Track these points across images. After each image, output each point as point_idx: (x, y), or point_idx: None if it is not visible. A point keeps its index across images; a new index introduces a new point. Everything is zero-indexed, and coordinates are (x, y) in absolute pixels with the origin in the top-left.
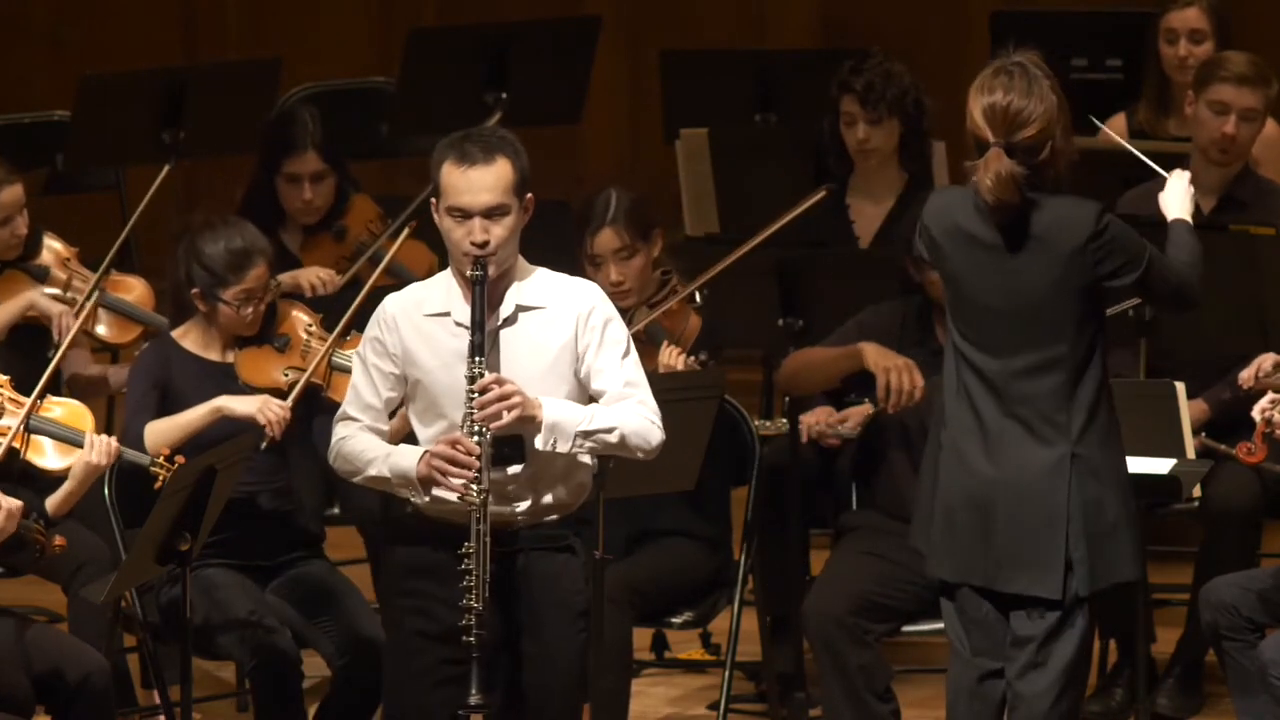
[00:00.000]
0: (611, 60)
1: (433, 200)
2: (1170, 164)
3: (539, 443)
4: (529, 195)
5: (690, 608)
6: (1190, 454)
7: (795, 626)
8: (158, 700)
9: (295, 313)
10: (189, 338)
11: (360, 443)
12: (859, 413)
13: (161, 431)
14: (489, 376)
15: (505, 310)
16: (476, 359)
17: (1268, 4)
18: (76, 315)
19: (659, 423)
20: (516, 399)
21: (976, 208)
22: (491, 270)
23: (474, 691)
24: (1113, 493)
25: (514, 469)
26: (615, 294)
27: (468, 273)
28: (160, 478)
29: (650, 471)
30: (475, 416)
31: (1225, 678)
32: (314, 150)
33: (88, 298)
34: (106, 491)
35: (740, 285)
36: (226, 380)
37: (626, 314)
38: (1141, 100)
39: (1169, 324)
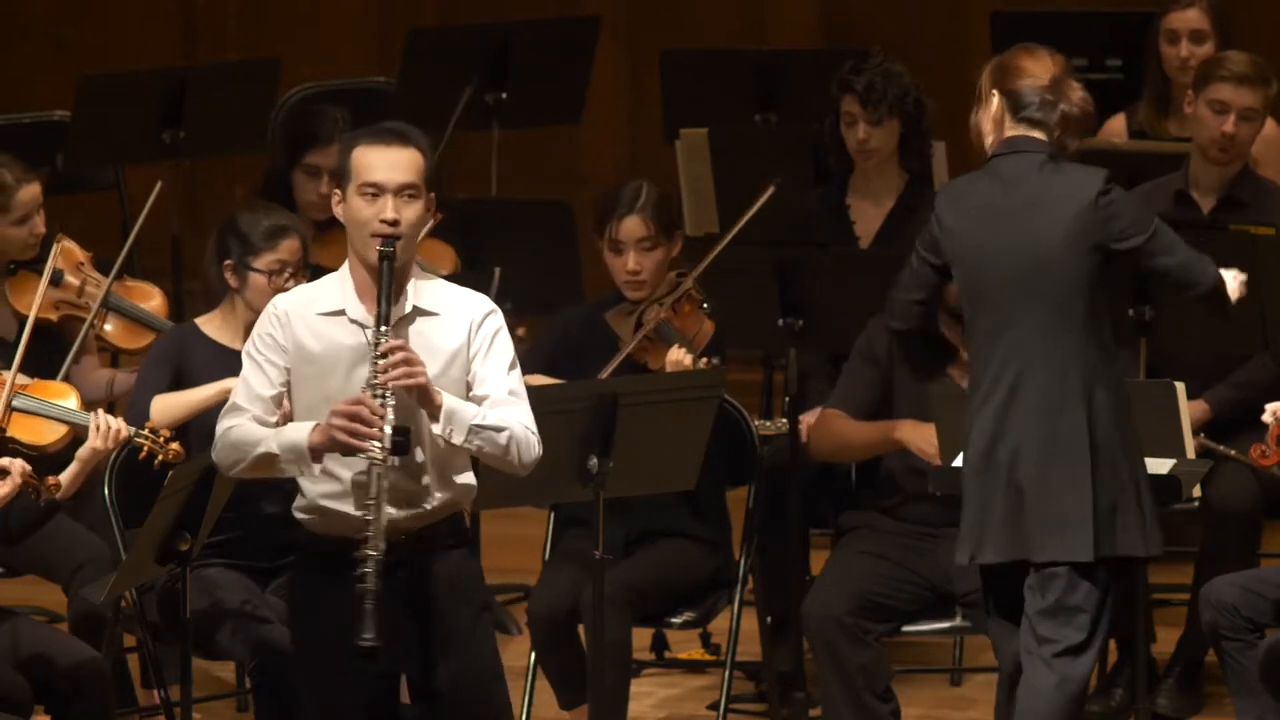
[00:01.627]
0: (611, 60)
1: (336, 193)
2: (1169, 163)
3: (437, 427)
4: (433, 195)
5: (690, 608)
6: (1190, 454)
7: (795, 626)
8: (158, 700)
9: None
10: (212, 325)
11: (247, 430)
12: None
13: (167, 407)
14: (396, 340)
15: (403, 309)
16: (383, 328)
17: (1268, 4)
18: (95, 322)
19: (538, 438)
20: (420, 367)
21: (992, 175)
22: (397, 255)
23: (365, 633)
24: (1129, 463)
25: (399, 461)
26: (630, 284)
27: (378, 248)
28: (145, 448)
29: (650, 471)
30: (380, 379)
31: (1225, 678)
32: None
33: (101, 304)
34: (106, 491)
35: (740, 285)
36: None
37: (637, 308)
38: (1142, 100)
39: (1169, 324)
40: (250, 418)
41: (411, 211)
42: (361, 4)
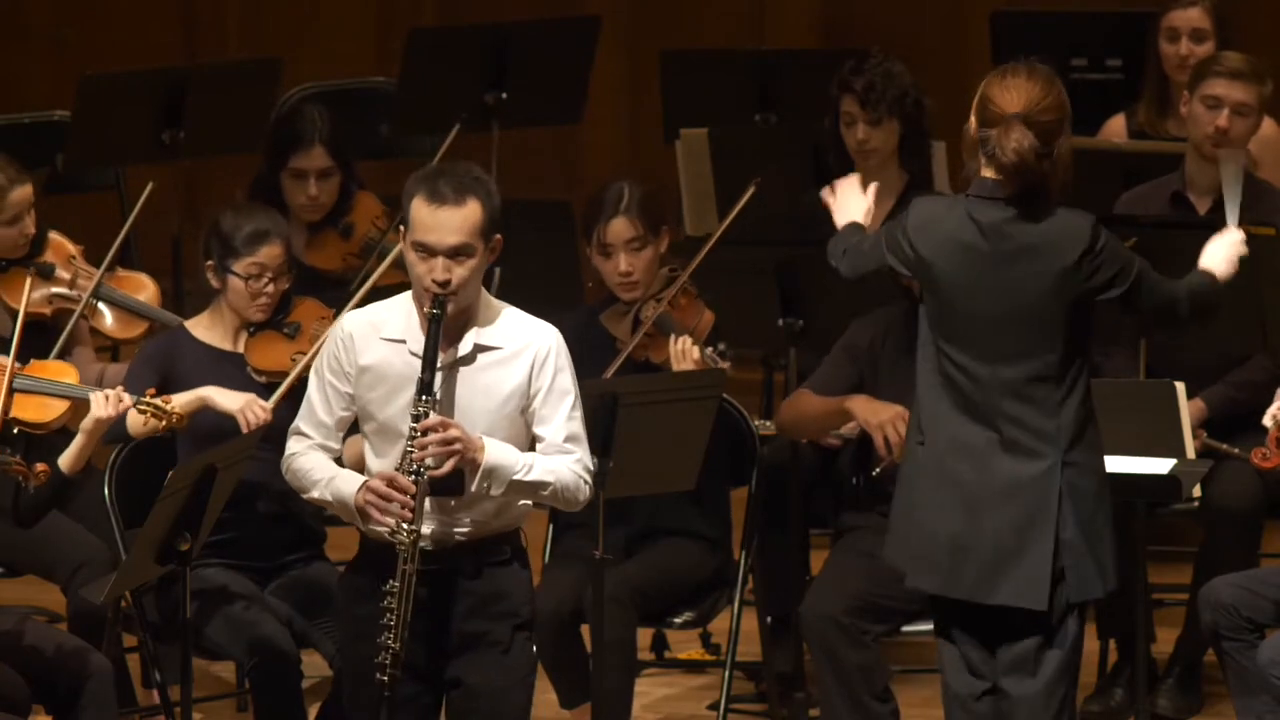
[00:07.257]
0: (611, 60)
1: (401, 228)
2: (1168, 163)
3: (472, 486)
4: (497, 236)
5: (690, 608)
6: (1190, 454)
7: (795, 626)
8: (158, 700)
9: (308, 305)
10: (200, 326)
11: (309, 461)
12: None
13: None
14: (434, 418)
15: (464, 348)
16: (424, 398)
17: (1268, 4)
18: (84, 315)
19: (589, 480)
20: (458, 445)
21: (970, 215)
22: (450, 308)
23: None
24: (1100, 504)
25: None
26: (623, 285)
27: (427, 309)
28: (146, 416)
29: (650, 471)
30: (414, 456)
31: (1225, 678)
32: (322, 146)
33: (91, 295)
34: (106, 491)
35: (740, 285)
36: (235, 370)
37: (633, 308)
38: (1141, 100)
39: None
40: (311, 445)
41: (464, 269)
42: (361, 4)
